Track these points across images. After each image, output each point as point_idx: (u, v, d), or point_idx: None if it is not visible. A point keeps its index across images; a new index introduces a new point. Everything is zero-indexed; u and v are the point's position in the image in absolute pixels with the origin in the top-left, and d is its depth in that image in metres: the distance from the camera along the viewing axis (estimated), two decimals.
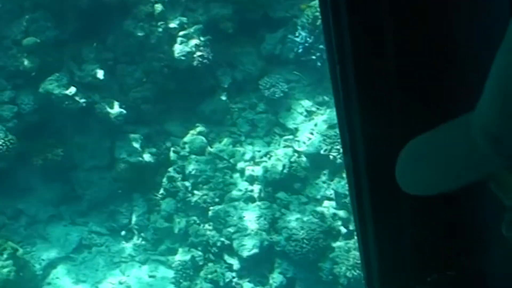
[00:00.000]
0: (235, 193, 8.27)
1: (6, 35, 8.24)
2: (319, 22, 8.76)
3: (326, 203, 7.96)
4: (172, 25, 8.63)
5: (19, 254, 8.06)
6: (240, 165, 8.51)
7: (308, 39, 8.77)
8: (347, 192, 7.87)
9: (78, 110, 8.42)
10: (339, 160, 7.94)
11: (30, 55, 8.26)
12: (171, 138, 8.89)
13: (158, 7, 8.64)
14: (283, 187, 8.19)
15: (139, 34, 8.59)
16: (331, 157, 8.02)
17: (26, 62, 8.24)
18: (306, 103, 8.69)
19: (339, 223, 7.87)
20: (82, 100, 8.36)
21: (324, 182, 8.10)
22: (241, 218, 7.99)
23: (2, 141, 8.10)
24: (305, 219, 7.77)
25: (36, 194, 8.75)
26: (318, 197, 8.05)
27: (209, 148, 8.71)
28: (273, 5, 9.10)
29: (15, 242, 8.15)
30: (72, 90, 8.25)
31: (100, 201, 8.82)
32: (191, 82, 8.95)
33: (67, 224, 8.76)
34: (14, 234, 8.45)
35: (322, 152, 8.06)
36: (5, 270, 7.75)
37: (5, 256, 7.85)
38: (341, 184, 7.87)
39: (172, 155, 8.79)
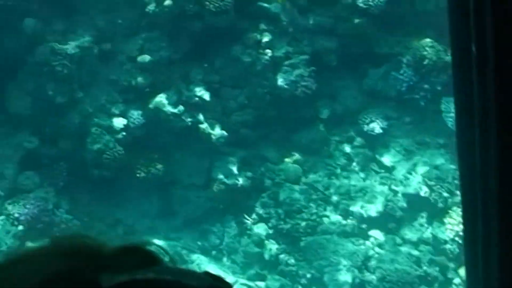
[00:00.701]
0: (328, 225, 8.07)
1: (122, 50, 8.49)
2: (426, 61, 8.72)
3: (422, 247, 7.70)
4: (278, 54, 8.52)
5: None
6: (334, 198, 8.30)
7: (413, 77, 8.71)
8: (447, 238, 7.81)
9: (182, 128, 8.66)
10: (440, 204, 7.81)
11: (143, 72, 8.47)
12: (267, 164, 8.96)
13: (267, 35, 8.74)
14: (378, 226, 7.99)
15: (246, 60, 8.73)
16: (431, 200, 7.78)
17: (139, 78, 8.45)
18: (405, 142, 8.65)
19: (437, 269, 7.54)
20: (188, 119, 8.54)
21: (421, 225, 7.79)
22: (333, 252, 7.68)
23: (111, 151, 8.36)
24: (400, 261, 7.66)
25: (135, 205, 8.94)
26: (414, 239, 7.76)
27: (304, 178, 8.83)
28: (378, 40, 9.08)
29: None
30: (180, 108, 8.48)
31: (194, 218, 8.90)
32: (291, 111, 8.99)
33: (161, 238, 8.98)
34: (110, 242, 8.66)
35: (421, 194, 8.03)
36: None
37: None
38: (441, 229, 7.75)
39: (266, 181, 8.68)
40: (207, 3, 8.11)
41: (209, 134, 8.46)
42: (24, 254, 1.12)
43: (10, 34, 7.74)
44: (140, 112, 8.38)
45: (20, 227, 7.70)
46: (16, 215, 7.73)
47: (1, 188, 7.99)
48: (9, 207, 7.83)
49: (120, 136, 8.30)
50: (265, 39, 8.53)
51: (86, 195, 8.61)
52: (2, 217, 7.80)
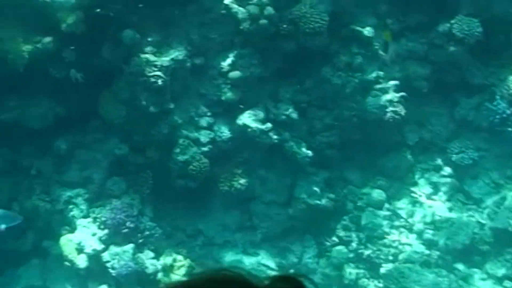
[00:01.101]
0: (410, 254, 7.90)
1: (213, 65, 8.61)
2: None
3: (507, 283, 7.43)
4: (369, 77, 8.43)
5: (195, 273, 8.38)
6: (418, 226, 8.17)
7: (506, 110, 8.50)
8: None
9: (268, 145, 8.68)
10: None
11: (233, 88, 8.60)
12: (350, 187, 8.83)
13: (358, 58, 8.68)
14: (463, 258, 7.75)
15: (336, 81, 8.64)
16: None
17: (228, 94, 8.54)
18: (495, 174, 8.42)
19: None
20: (274, 137, 8.53)
21: (507, 261, 7.56)
22: (415, 281, 7.48)
23: (197, 163, 8.46)
24: None
25: (216, 217, 9.01)
26: (499, 275, 7.54)
27: (387, 204, 8.69)
28: (472, 70, 8.88)
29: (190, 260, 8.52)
30: (268, 125, 8.51)
31: (273, 235, 8.86)
32: (378, 135, 8.90)
33: (239, 252, 8.99)
34: (190, 251, 8.76)
35: (509, 229, 7.77)
36: None
37: (182, 272, 8.19)
38: None
39: (348, 204, 8.47)
40: (302, 24, 8.13)
41: (294, 152, 8.45)
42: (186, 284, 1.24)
43: (109, 43, 7.96)
44: (227, 126, 8.45)
45: (106, 231, 7.86)
46: (103, 218, 7.89)
47: (89, 191, 8.18)
48: (96, 211, 8.01)
49: (206, 148, 8.38)
50: (356, 62, 8.48)
51: (169, 204, 8.73)
52: (89, 219, 7.99)
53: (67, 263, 7.96)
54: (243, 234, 8.81)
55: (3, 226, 7.36)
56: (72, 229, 8.03)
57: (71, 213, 8.03)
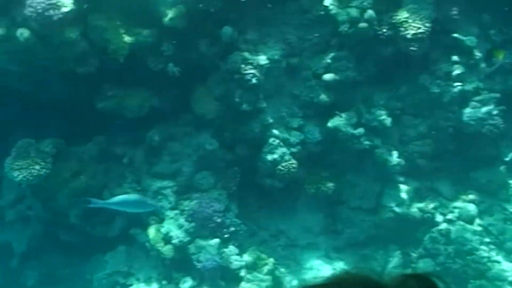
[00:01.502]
0: (499, 272, 7.63)
1: (308, 67, 8.53)
2: None
3: None
4: (468, 88, 8.17)
5: (277, 273, 8.37)
6: (509, 244, 7.84)
7: None
8: None
9: (358, 150, 8.51)
10: None
11: (326, 90, 8.50)
12: (440, 198, 8.55)
13: (458, 68, 8.42)
14: None
15: (434, 90, 8.35)
16: None
17: (321, 96, 8.45)
18: None
19: None
20: (365, 142, 8.37)
21: None
22: None
23: (286, 163, 8.42)
24: None
25: (300, 219, 8.94)
26: None
27: (478, 219, 8.41)
28: None
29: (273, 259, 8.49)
30: (360, 130, 8.37)
31: (357, 242, 8.56)
32: (473, 147, 8.57)
33: (321, 255, 8.87)
34: (272, 251, 8.74)
35: None
36: (264, 284, 8.07)
37: (265, 271, 8.17)
38: None
39: (438, 216, 8.23)
40: (402, 29, 7.94)
41: (385, 160, 8.29)
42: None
43: (207, 39, 8.00)
44: (318, 128, 8.37)
45: (193, 224, 7.92)
46: (191, 211, 7.96)
47: (177, 184, 8.26)
48: (185, 203, 8.08)
49: (295, 149, 8.33)
50: (456, 71, 8.23)
51: (255, 202, 8.73)
52: (177, 211, 8.07)
53: (153, 252, 8.08)
54: (326, 238, 8.72)
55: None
56: (160, 220, 8.13)
57: (160, 203, 8.12)
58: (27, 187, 8.20)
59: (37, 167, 7.75)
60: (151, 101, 8.26)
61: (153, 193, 8.19)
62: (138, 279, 8.24)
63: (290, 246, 8.68)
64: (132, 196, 7.67)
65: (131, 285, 8.23)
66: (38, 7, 7.05)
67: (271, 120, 8.29)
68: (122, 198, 7.55)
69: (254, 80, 7.93)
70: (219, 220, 7.95)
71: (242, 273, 7.87)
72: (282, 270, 8.30)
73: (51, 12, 7.08)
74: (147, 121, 8.39)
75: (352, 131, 8.18)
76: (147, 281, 8.19)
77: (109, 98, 8.15)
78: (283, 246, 8.67)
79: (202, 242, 7.83)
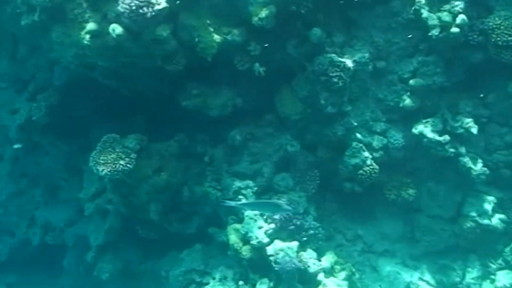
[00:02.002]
0: None
1: (394, 71, 8.34)
2: None
3: None
4: None
5: (355, 278, 8.27)
6: None
7: None
8: None
9: (441, 158, 8.31)
10: None
11: (412, 95, 8.29)
12: None
13: None
14: None
15: None
16: None
17: (406, 101, 8.23)
18: None
19: None
20: (450, 150, 8.19)
21: None
22: None
23: (367, 168, 8.19)
24: None
25: (378, 225, 8.75)
26: None
27: None
28: None
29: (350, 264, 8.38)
30: (445, 138, 8.18)
31: (435, 251, 8.34)
32: None
33: (398, 262, 8.69)
34: (347, 256, 8.64)
35: None
36: None
37: (342, 276, 8.06)
38: None
39: None
40: (494, 35, 7.73)
41: (469, 168, 8.09)
42: None
43: (295, 39, 7.91)
44: (401, 134, 8.22)
45: (272, 225, 7.85)
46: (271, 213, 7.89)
47: (257, 184, 8.20)
48: None
49: (378, 154, 8.20)
50: None
51: (333, 205, 8.64)
52: (256, 212, 8.01)
53: (230, 252, 8.04)
54: (404, 245, 8.58)
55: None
56: (239, 219, 8.09)
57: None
58: (109, 181, 8.25)
59: (122, 162, 7.79)
60: (235, 101, 8.21)
61: (233, 192, 8.14)
62: (213, 278, 8.23)
63: (367, 252, 8.55)
64: (268, 200, 7.68)
65: (207, 283, 8.22)
66: (132, 4, 7.06)
67: (355, 124, 8.18)
68: (258, 201, 7.59)
69: (340, 83, 7.82)
70: (298, 222, 7.88)
71: (320, 277, 7.77)
72: (358, 276, 8.17)
73: (145, 9, 7.08)
74: (228, 120, 8.35)
75: (437, 137, 8.01)
76: (223, 280, 8.16)
77: (193, 97, 8.13)
78: (359, 251, 8.56)
79: (281, 244, 7.76)
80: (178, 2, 7.34)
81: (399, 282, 8.29)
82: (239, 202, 7.60)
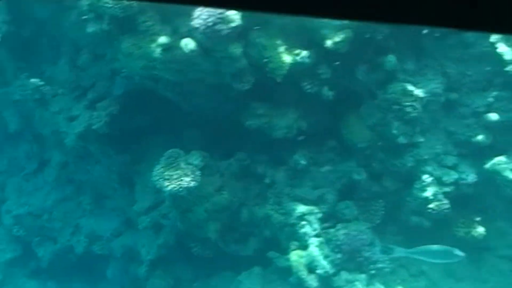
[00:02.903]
0: None
1: (466, 104, 7.96)
2: None
3: None
4: None
5: None
6: None
7: None
8: None
9: None
10: None
11: (485, 130, 7.95)
12: None
13: None
14: None
15: None
16: None
17: (479, 136, 7.67)
18: None
19: None
20: None
21: None
22: None
23: (438, 203, 7.54)
24: None
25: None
26: None
27: None
28: None
29: None
30: None
31: None
32: None
33: None
34: None
35: None
36: None
37: None
38: None
39: None
40: None
41: None
42: None
43: (366, 65, 7.63)
44: (473, 169, 7.83)
45: (339, 255, 7.55)
46: (338, 242, 7.58)
47: (321, 211, 7.91)
48: (331, 232, 7.72)
49: (448, 189, 7.82)
50: None
51: (396, 238, 8.27)
52: (322, 239, 7.71)
53: (293, 279, 7.75)
54: (471, 285, 8.13)
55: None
56: (301, 246, 7.81)
57: (303, 229, 7.80)
58: (169, 196, 8.06)
59: (187, 179, 7.59)
60: (300, 123, 7.95)
61: (296, 218, 7.86)
62: None
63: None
64: (437, 246, 7.39)
65: None
66: (208, 19, 6.88)
67: (425, 156, 7.82)
68: (427, 247, 7.31)
69: (414, 113, 7.49)
70: (367, 254, 7.54)
71: None
72: None
73: (220, 26, 6.90)
74: (289, 142, 8.09)
75: (511, 176, 7.59)
76: None
77: (258, 116, 7.90)
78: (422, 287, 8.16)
79: (348, 276, 7.44)
80: (250, 22, 7.14)
81: None
82: (408, 250, 7.31)
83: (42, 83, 9.16)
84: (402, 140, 7.64)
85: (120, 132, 8.58)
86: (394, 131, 7.61)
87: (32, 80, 9.22)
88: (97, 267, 9.90)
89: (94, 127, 8.45)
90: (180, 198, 8.02)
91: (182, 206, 8.16)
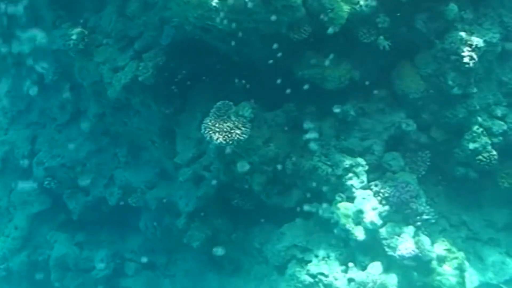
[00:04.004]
0: None
1: None
2: None
3: None
4: None
5: (465, 268, 7.85)
6: None
7: None
8: None
9: None
10: None
11: None
12: None
13: None
14: None
15: None
16: None
17: None
18: None
19: None
20: None
21: None
22: None
23: (487, 154, 7.52)
24: None
25: (485, 212, 8.06)
26: None
27: None
28: None
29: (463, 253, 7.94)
30: None
31: None
32: None
33: (502, 252, 8.43)
34: (451, 243, 8.26)
35: None
36: (454, 280, 7.56)
37: (454, 264, 7.64)
38: None
39: None
40: None
41: None
42: None
43: (425, 14, 7.35)
44: None
45: (387, 207, 7.42)
46: (386, 194, 7.45)
47: (367, 162, 7.73)
48: (379, 185, 7.57)
49: (496, 140, 7.75)
50: None
51: (439, 188, 8.20)
52: (369, 192, 7.56)
53: (337, 231, 7.63)
54: (509, 234, 8.18)
55: None
56: (347, 198, 7.64)
57: (350, 181, 7.62)
58: (215, 148, 7.74)
59: (238, 131, 7.27)
60: (352, 74, 7.66)
61: (343, 169, 7.66)
62: (316, 256, 7.80)
63: (471, 239, 8.16)
64: None
65: (309, 261, 7.79)
66: None
67: (477, 107, 7.68)
68: None
69: (471, 64, 7.30)
70: (414, 206, 7.43)
71: (433, 265, 7.38)
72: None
73: None
74: (342, 94, 7.82)
75: None
76: (326, 259, 7.73)
77: (311, 67, 7.57)
78: (463, 238, 8.16)
79: (395, 228, 7.34)
80: None
81: (504, 273, 7.94)
82: None
83: (85, 32, 8.52)
84: (456, 91, 7.46)
85: (165, 84, 8.14)
86: (450, 82, 7.41)
87: (76, 29, 8.56)
88: (129, 220, 9.60)
89: (140, 78, 7.98)
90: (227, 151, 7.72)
91: (227, 158, 7.86)
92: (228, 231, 8.63)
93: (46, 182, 9.59)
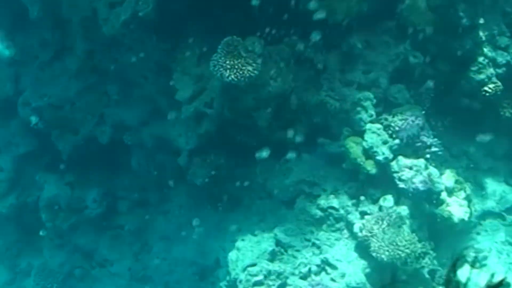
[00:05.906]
0: None
1: None
2: None
3: None
4: None
5: (472, 198, 7.76)
6: None
7: None
8: None
9: None
10: None
11: None
12: None
13: None
14: None
15: None
16: None
17: None
18: None
19: None
20: None
21: None
22: None
23: (492, 85, 7.18)
24: None
25: (485, 142, 8.30)
26: None
27: None
28: None
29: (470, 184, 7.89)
30: None
31: None
32: None
33: (501, 180, 8.07)
34: (456, 173, 8.12)
35: None
36: (462, 209, 7.46)
37: (463, 195, 7.45)
38: None
39: None
40: None
41: None
42: None
43: None
44: None
45: (397, 141, 7.25)
46: (397, 128, 7.26)
47: (375, 95, 7.49)
48: (388, 118, 7.36)
49: (501, 71, 7.61)
50: None
51: (442, 120, 8.05)
52: (378, 125, 7.36)
53: (346, 165, 7.43)
54: (508, 162, 8.17)
55: None
56: (356, 132, 7.43)
57: (359, 115, 7.39)
58: (220, 85, 7.33)
59: (250, 68, 6.88)
60: (361, 6, 7.30)
61: (351, 104, 7.41)
62: (324, 190, 7.61)
63: (472, 169, 8.12)
64: None
65: (318, 195, 7.60)
66: None
67: (483, 38, 7.48)
68: None
69: None
70: (424, 139, 7.29)
71: (443, 196, 7.31)
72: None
73: None
74: (346, 26, 7.46)
75: None
76: (335, 193, 7.56)
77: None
78: (464, 168, 8.11)
79: (406, 161, 7.19)
80: None
81: (506, 201, 7.97)
82: None
83: None
84: (466, 22, 7.22)
85: (165, 19, 7.57)
86: (461, 13, 7.15)
87: None
88: (120, 158, 9.14)
89: (140, 14, 7.38)
90: (232, 86, 7.32)
91: (232, 94, 7.48)
92: (231, 166, 8.31)
93: (33, 123, 8.98)
